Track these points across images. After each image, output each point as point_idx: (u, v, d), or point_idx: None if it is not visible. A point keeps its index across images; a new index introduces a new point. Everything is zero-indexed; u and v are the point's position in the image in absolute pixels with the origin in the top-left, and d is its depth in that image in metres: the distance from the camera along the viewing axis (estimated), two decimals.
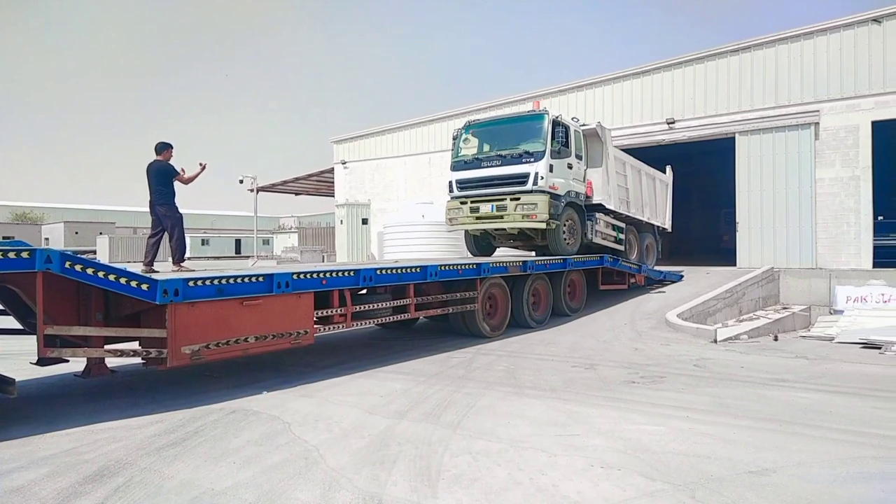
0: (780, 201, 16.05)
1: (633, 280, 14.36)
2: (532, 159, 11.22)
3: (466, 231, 12.93)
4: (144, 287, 5.65)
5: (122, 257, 39.86)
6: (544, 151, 11.19)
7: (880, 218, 16.03)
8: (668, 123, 17.93)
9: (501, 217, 11.50)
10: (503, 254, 14.34)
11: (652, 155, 20.87)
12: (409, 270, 8.58)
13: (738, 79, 16.72)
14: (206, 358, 6.13)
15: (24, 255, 5.08)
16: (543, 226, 11.26)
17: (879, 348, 9.36)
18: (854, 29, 15.09)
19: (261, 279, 6.72)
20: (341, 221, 27.02)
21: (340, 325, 7.87)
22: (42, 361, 5.99)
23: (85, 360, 6.24)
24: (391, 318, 8.67)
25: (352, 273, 7.82)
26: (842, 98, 15.11)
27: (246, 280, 6.56)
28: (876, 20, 14.83)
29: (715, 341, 9.68)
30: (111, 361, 6.44)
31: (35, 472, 4.29)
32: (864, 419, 5.46)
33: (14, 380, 5.36)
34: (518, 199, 11.25)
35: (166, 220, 8.79)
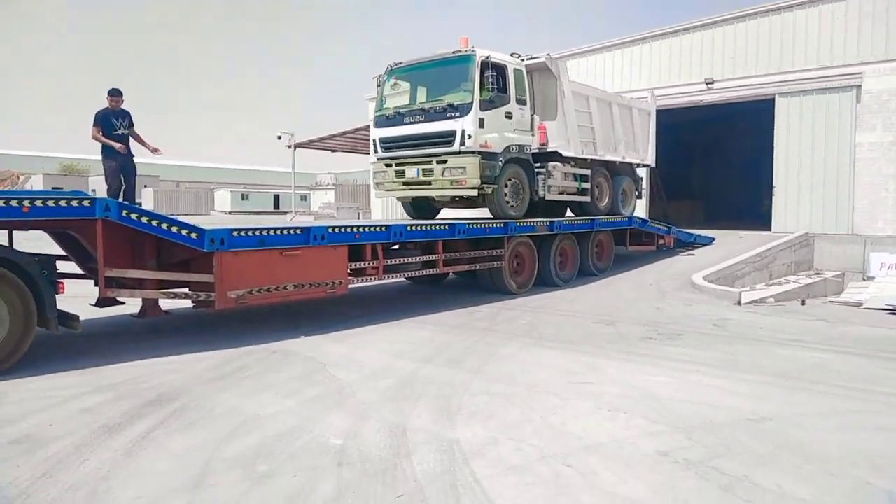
0: (819, 165, 15.77)
1: (661, 242, 14.48)
2: (457, 113, 9.40)
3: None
4: (194, 236, 6.14)
5: (165, 209, 41.15)
6: (471, 103, 9.32)
7: None
8: (707, 84, 17.60)
9: (429, 183, 9.97)
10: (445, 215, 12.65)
11: (690, 116, 20.60)
12: (437, 227, 8.93)
13: (780, 39, 16.26)
14: (249, 302, 6.65)
15: (86, 203, 5.58)
16: (475, 192, 9.78)
17: None
18: None
19: (298, 231, 7.17)
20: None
21: (372, 278, 8.33)
22: (101, 302, 6.62)
23: (140, 301, 6.81)
24: (420, 272, 9.09)
25: (383, 228, 8.21)
26: (886, 60, 14.63)
27: (285, 232, 7.02)
28: None
29: (739, 303, 9.85)
30: (164, 303, 7.00)
31: (102, 396, 4.86)
32: (870, 378, 5.68)
33: (78, 316, 5.97)
34: (445, 161, 9.63)
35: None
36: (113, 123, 8.86)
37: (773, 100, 16.36)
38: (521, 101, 10.24)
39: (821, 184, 15.74)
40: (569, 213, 12.77)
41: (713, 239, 15.79)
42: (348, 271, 7.82)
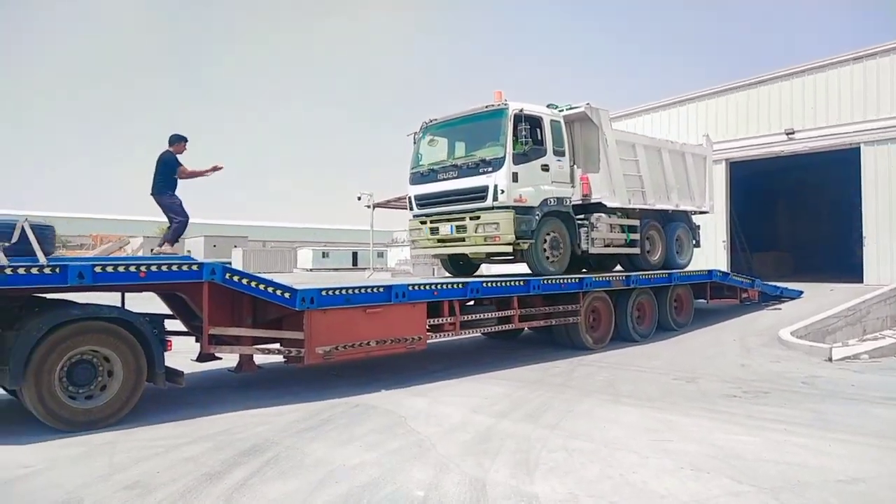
0: None
1: (745, 295, 14.03)
2: (490, 168, 9.33)
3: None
4: (287, 295, 6.62)
5: (253, 268, 43.31)
6: (503, 157, 9.24)
7: None
8: (787, 134, 17.24)
9: (463, 240, 9.76)
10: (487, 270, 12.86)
11: (771, 167, 20.13)
12: (513, 283, 9.12)
13: (863, 87, 15.83)
14: (335, 358, 7.02)
15: (194, 267, 6.17)
16: (510, 249, 9.52)
17: None
18: None
19: (381, 290, 7.55)
20: None
21: (450, 333, 8.56)
22: (201, 358, 7.14)
23: (237, 357, 7.30)
24: (496, 328, 9.24)
25: (460, 285, 8.49)
26: None
27: (368, 290, 7.42)
28: None
29: (830, 360, 9.39)
30: (257, 358, 7.47)
31: (201, 446, 5.25)
32: None
33: (182, 372, 6.49)
34: (478, 217, 9.47)
35: (167, 210, 8.19)
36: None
37: (859, 148, 15.82)
38: (558, 153, 10.05)
39: None
40: (618, 267, 12.41)
41: (801, 292, 15.13)
42: (427, 327, 8.09)
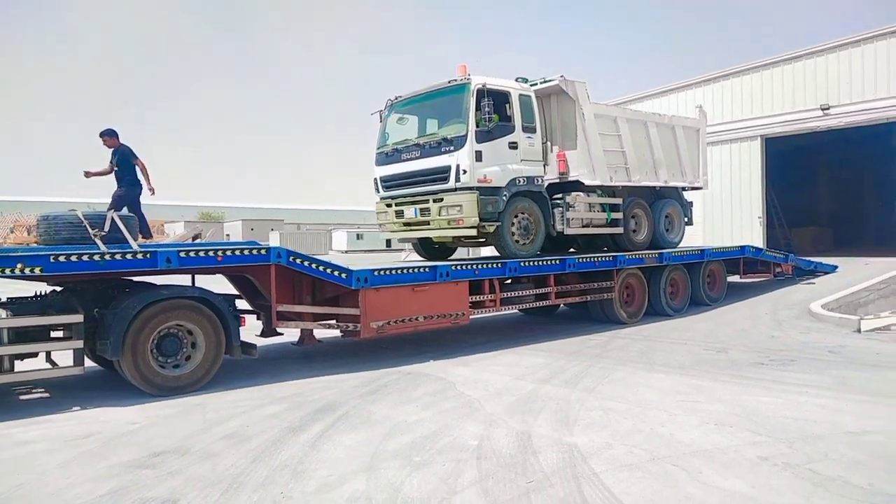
0: None
1: (779, 270, 14.28)
2: (452, 147, 8.85)
3: None
4: (343, 276, 7.30)
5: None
6: (465, 136, 8.73)
7: None
8: (823, 110, 17.24)
9: (427, 223, 9.35)
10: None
11: (806, 142, 20.09)
12: (549, 262, 9.64)
13: None
14: (387, 332, 7.70)
15: (262, 251, 6.88)
16: (474, 232, 9.10)
17: None
18: None
19: (427, 270, 8.18)
20: None
21: (490, 309, 9.15)
22: (265, 333, 7.91)
23: (298, 331, 8.02)
24: (534, 304, 9.80)
25: (499, 265, 9.05)
26: None
27: (416, 270, 8.06)
28: None
29: (858, 331, 9.70)
30: (317, 332, 8.18)
31: (279, 406, 5.98)
32: None
33: (255, 345, 7.24)
34: (441, 199, 9.04)
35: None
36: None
37: None
38: (528, 129, 9.50)
39: None
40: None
41: (836, 267, 15.29)
42: (469, 303, 8.70)
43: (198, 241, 10.87)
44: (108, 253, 6.10)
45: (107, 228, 6.44)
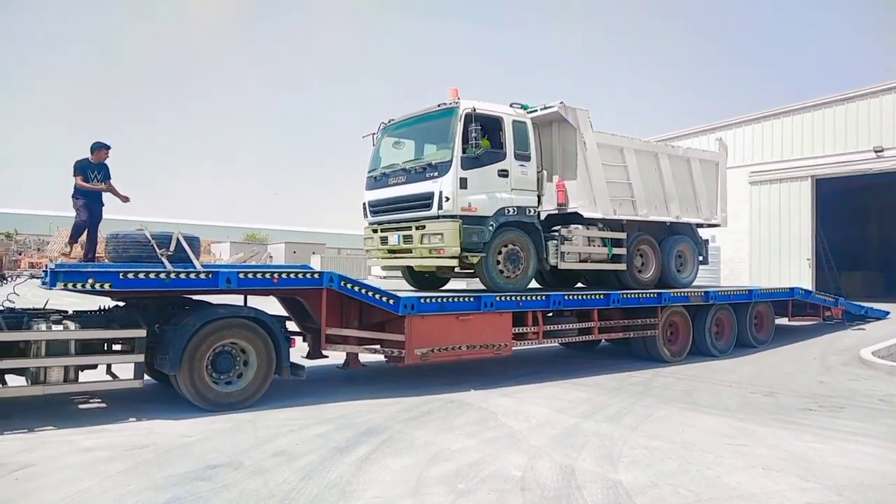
0: None
1: (828, 314, 13.92)
2: (436, 173, 8.59)
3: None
4: (391, 302, 7.48)
5: None
6: (450, 162, 8.45)
7: None
8: (876, 152, 16.92)
9: (410, 251, 9.06)
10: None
11: (858, 184, 19.67)
12: (593, 296, 9.66)
13: None
14: (430, 359, 7.83)
15: (315, 275, 7.13)
16: (454, 262, 8.68)
17: None
18: None
19: (471, 299, 8.30)
20: None
21: (533, 342, 9.19)
22: (310, 355, 8.13)
23: (344, 355, 8.21)
24: (576, 338, 9.79)
25: (543, 297, 9.12)
26: None
27: (461, 299, 8.19)
28: None
29: None
30: (362, 357, 8.36)
31: (325, 426, 6.15)
32: None
33: (304, 366, 7.46)
34: (423, 227, 8.74)
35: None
36: (88, 175, 8.25)
37: None
38: (522, 157, 9.13)
39: None
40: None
41: (888, 313, 14.85)
42: (512, 335, 8.76)
43: (246, 262, 11.23)
44: (174, 272, 6.42)
45: (172, 248, 6.80)
